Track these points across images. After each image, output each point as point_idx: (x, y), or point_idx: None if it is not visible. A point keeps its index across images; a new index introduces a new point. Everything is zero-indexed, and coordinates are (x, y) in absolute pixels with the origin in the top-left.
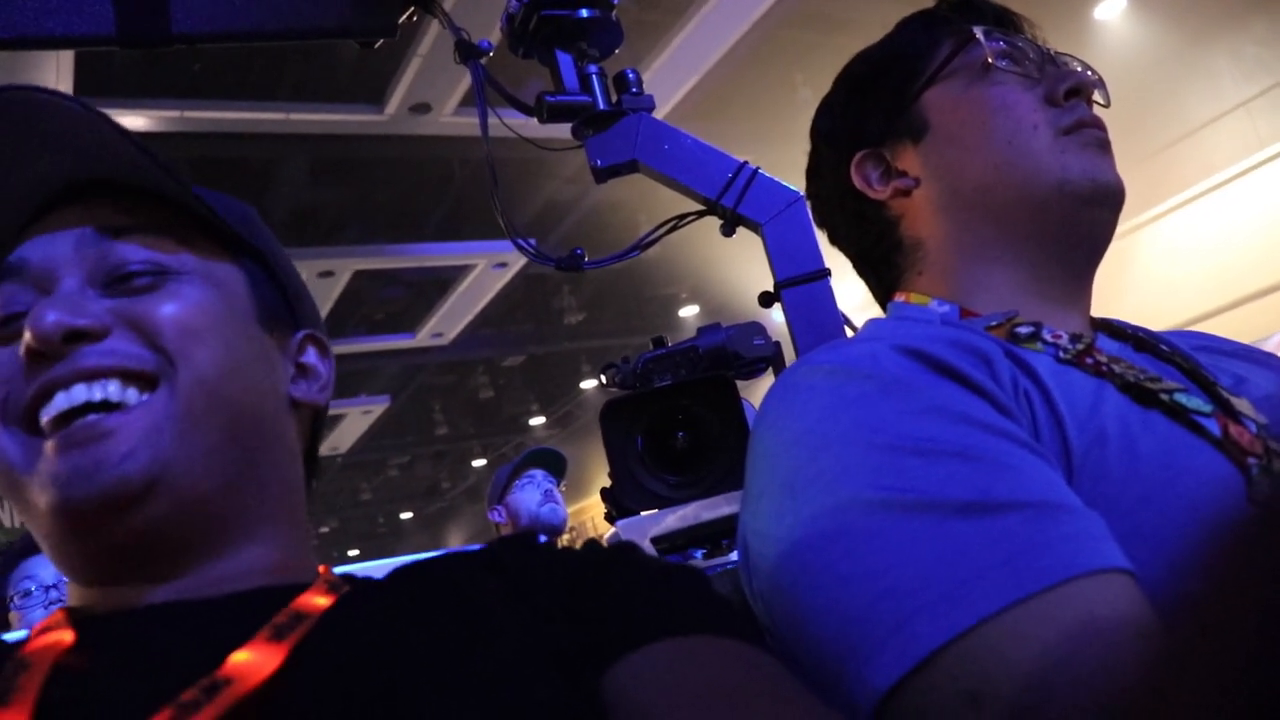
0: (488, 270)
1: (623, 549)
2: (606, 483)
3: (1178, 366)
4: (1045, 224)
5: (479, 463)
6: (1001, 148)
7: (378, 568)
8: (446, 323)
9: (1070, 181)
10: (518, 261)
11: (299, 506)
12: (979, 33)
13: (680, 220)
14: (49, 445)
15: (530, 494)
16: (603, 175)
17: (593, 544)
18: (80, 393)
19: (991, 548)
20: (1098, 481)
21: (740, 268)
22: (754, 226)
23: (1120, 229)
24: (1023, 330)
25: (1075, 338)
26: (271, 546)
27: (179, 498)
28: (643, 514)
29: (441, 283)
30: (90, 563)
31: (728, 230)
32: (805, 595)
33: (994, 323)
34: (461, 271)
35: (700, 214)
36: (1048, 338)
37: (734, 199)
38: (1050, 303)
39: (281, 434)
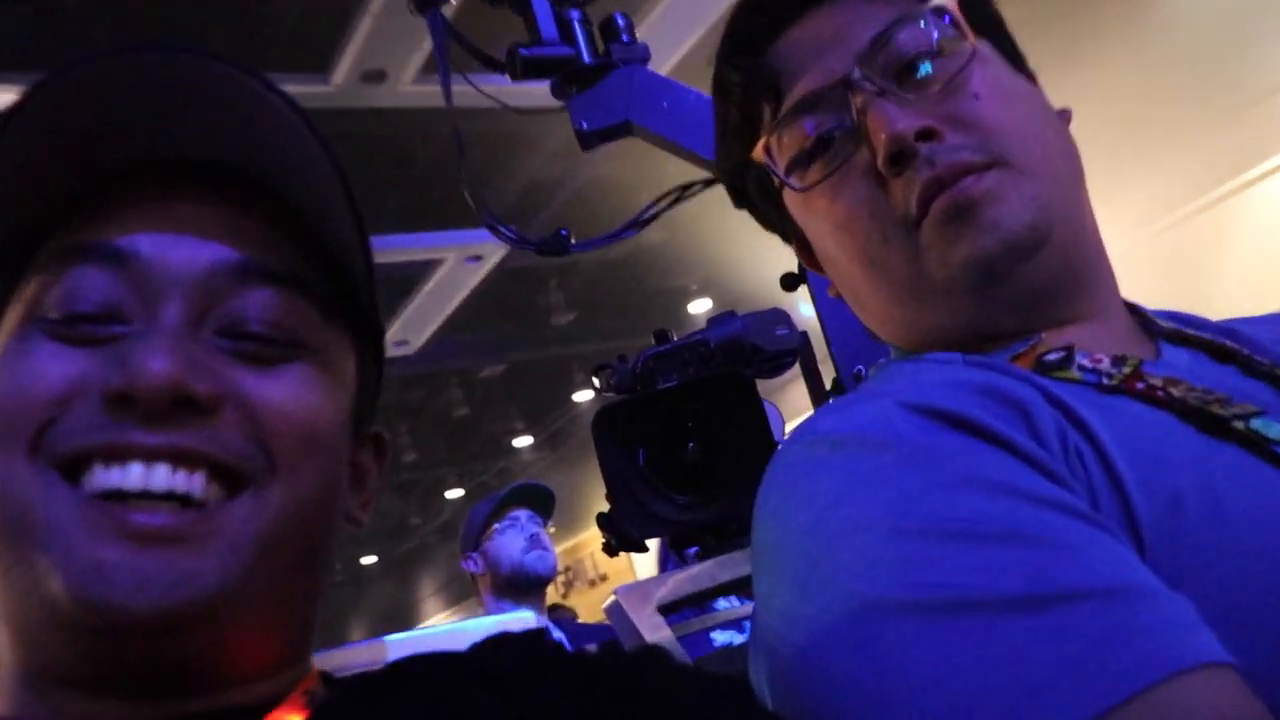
0: (459, 265)
1: (648, 661)
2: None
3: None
4: (963, 321)
5: (454, 494)
6: (867, 285)
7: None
8: (412, 329)
9: (950, 281)
10: (495, 253)
11: (318, 615)
12: (764, 145)
13: (685, 191)
14: (95, 518)
15: (512, 539)
16: (590, 140)
17: (612, 650)
18: (164, 477)
19: (1059, 650)
20: (1178, 555)
21: (761, 251)
22: None
23: (1210, 196)
24: (1051, 357)
25: (1118, 360)
26: (284, 658)
27: (235, 626)
28: (646, 578)
29: (405, 282)
30: (81, 667)
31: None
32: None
33: (1019, 350)
34: (428, 268)
35: (708, 183)
36: (1084, 363)
37: None
38: (1061, 327)
39: (331, 559)
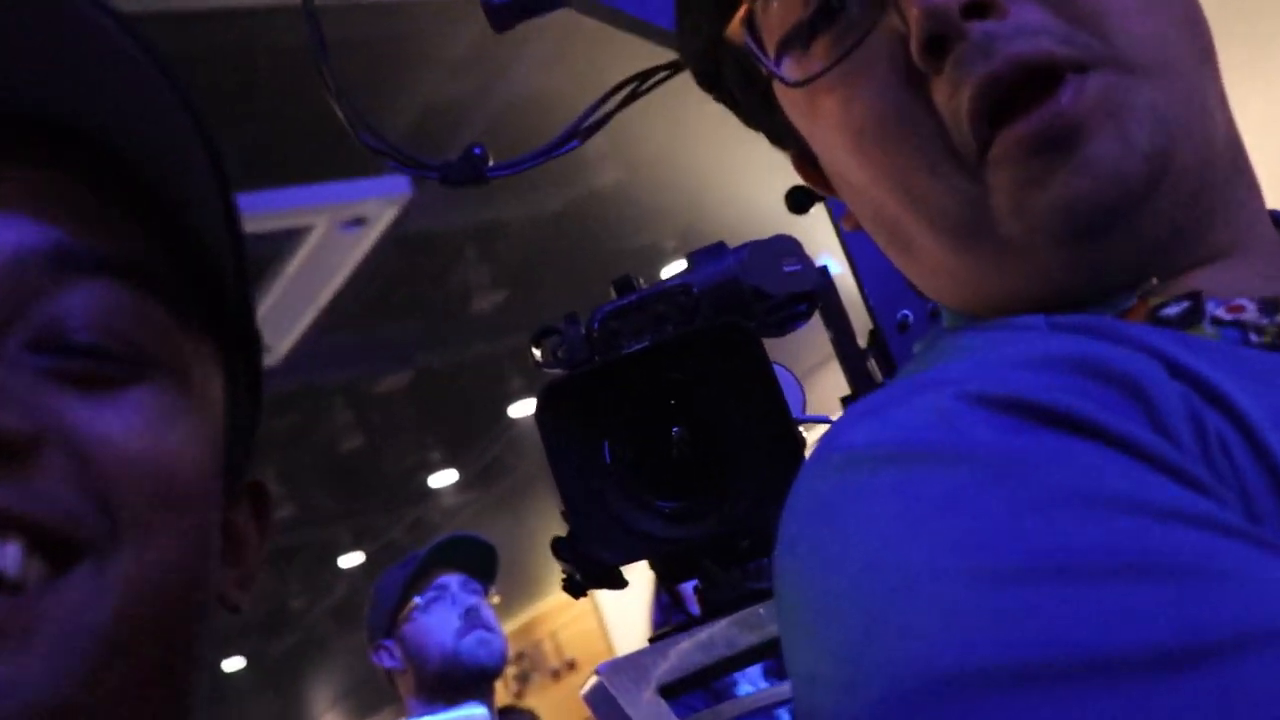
0: (333, 233)
1: None
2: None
3: None
4: (1045, 282)
5: (350, 560)
6: (904, 223)
7: None
8: (272, 329)
9: (1029, 236)
10: (383, 212)
11: None
12: (745, 14)
13: (644, 81)
14: None
15: (442, 618)
16: (503, 17)
17: None
18: None
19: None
20: None
21: (756, 185)
22: None
23: None
24: (1171, 311)
25: (1269, 305)
26: None
27: None
28: (637, 650)
29: (256, 262)
30: None
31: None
32: None
33: (1127, 306)
34: (288, 241)
35: (673, 68)
36: (1219, 315)
37: None
38: (1186, 259)
39: (205, 657)
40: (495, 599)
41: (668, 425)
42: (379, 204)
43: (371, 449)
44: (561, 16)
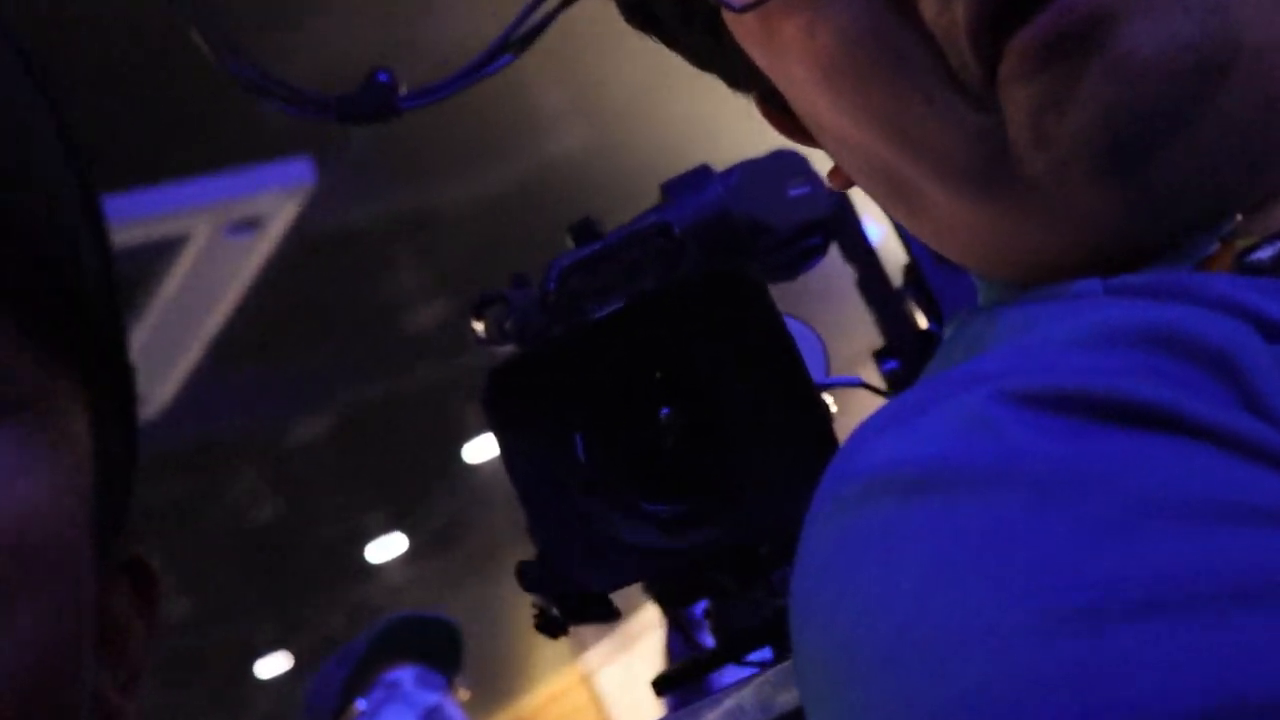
0: (219, 240)
1: None
2: (558, 651)
3: None
4: (1085, 230)
5: (272, 666)
6: (900, 171)
7: None
8: (150, 370)
9: (1059, 169)
10: (281, 210)
11: None
12: None
13: None
14: None
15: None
16: None
17: None
18: None
19: None
20: None
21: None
22: None
23: None
24: (1264, 253)
25: None
26: None
27: None
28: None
29: (121, 286)
30: None
31: None
32: None
33: (1206, 253)
34: (162, 255)
35: None
36: None
37: None
38: (1266, 203)
39: None
40: (464, 694)
41: (654, 406)
42: (275, 199)
43: (290, 517)
44: None
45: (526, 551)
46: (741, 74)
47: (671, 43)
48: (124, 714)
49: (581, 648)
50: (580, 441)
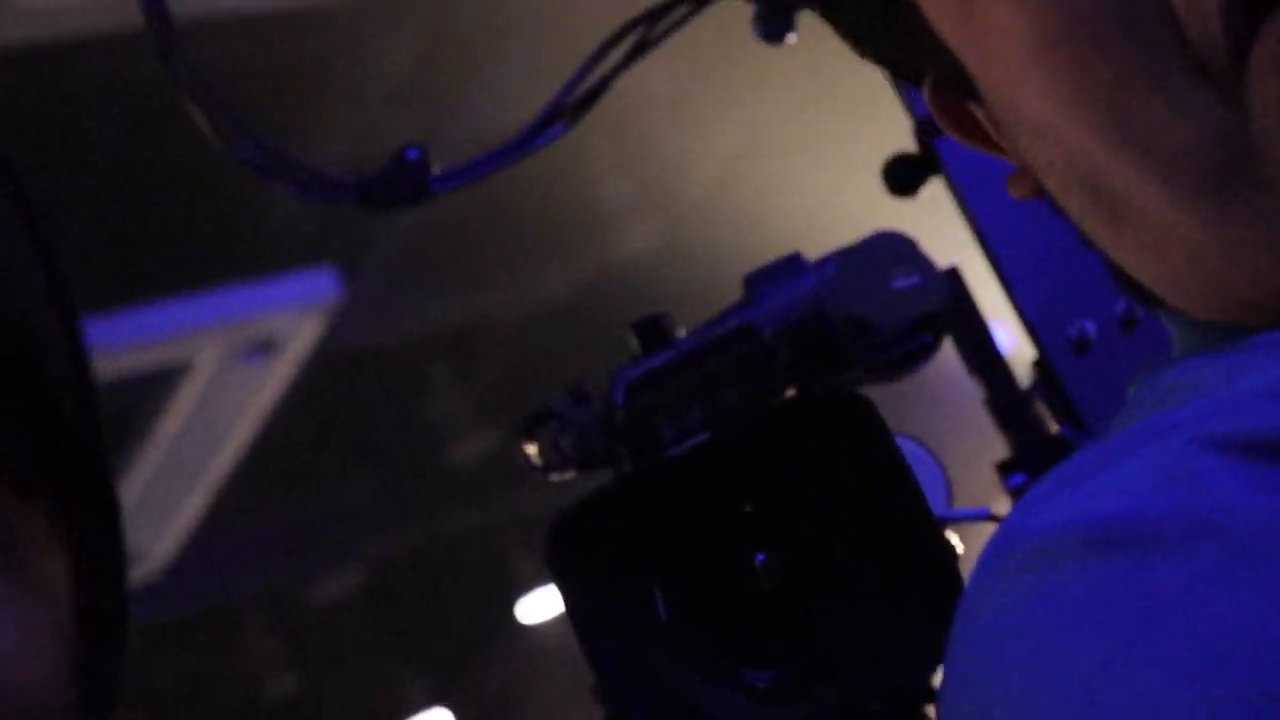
0: (229, 367)
1: None
2: None
3: None
4: None
5: None
6: (1113, 168)
7: None
8: (148, 520)
9: None
10: (302, 327)
11: None
12: None
13: (654, 22)
14: None
15: None
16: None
17: None
18: None
19: None
20: None
21: (856, 198)
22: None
23: None
24: None
25: None
26: None
27: None
28: None
29: (115, 422)
30: None
31: (772, 28)
32: None
33: None
34: (163, 385)
35: (697, 2)
36: None
37: None
38: None
39: None
40: None
41: (748, 552)
42: (293, 316)
43: (314, 691)
44: (533, 16)
45: None
46: (914, 55)
47: (833, 19)
48: None
49: None
50: (661, 597)
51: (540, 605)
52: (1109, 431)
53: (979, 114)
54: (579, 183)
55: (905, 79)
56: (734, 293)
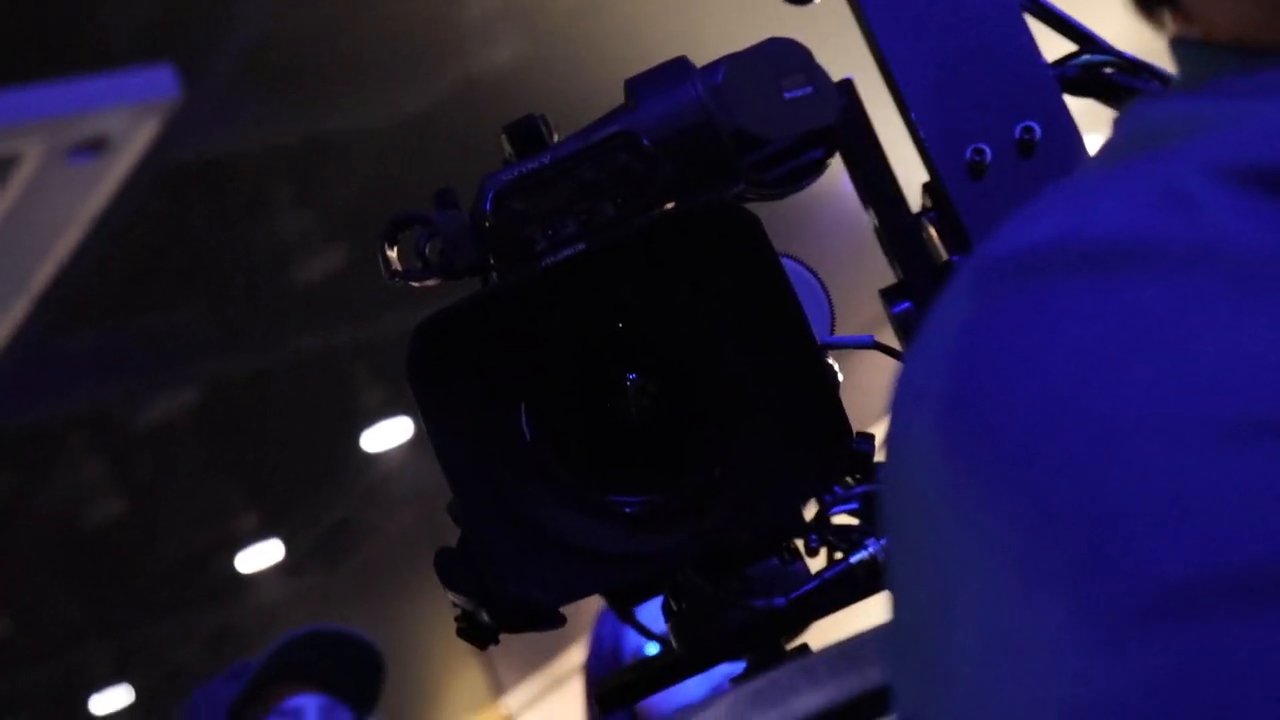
0: (56, 166)
1: None
2: (474, 689)
3: None
4: None
5: (111, 701)
6: None
7: None
8: None
9: None
10: (137, 128)
11: None
12: None
13: None
14: None
15: None
16: None
17: None
18: None
19: None
20: None
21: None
22: None
23: None
24: None
25: None
26: None
27: None
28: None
29: None
30: None
31: None
32: None
33: None
34: None
35: None
36: None
37: None
38: None
39: None
40: None
41: (620, 371)
42: (128, 114)
43: (139, 519)
44: None
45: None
46: None
47: None
48: None
49: (500, 689)
50: (525, 414)
51: (387, 434)
52: (1110, 155)
53: None
54: None
55: None
56: (602, 106)
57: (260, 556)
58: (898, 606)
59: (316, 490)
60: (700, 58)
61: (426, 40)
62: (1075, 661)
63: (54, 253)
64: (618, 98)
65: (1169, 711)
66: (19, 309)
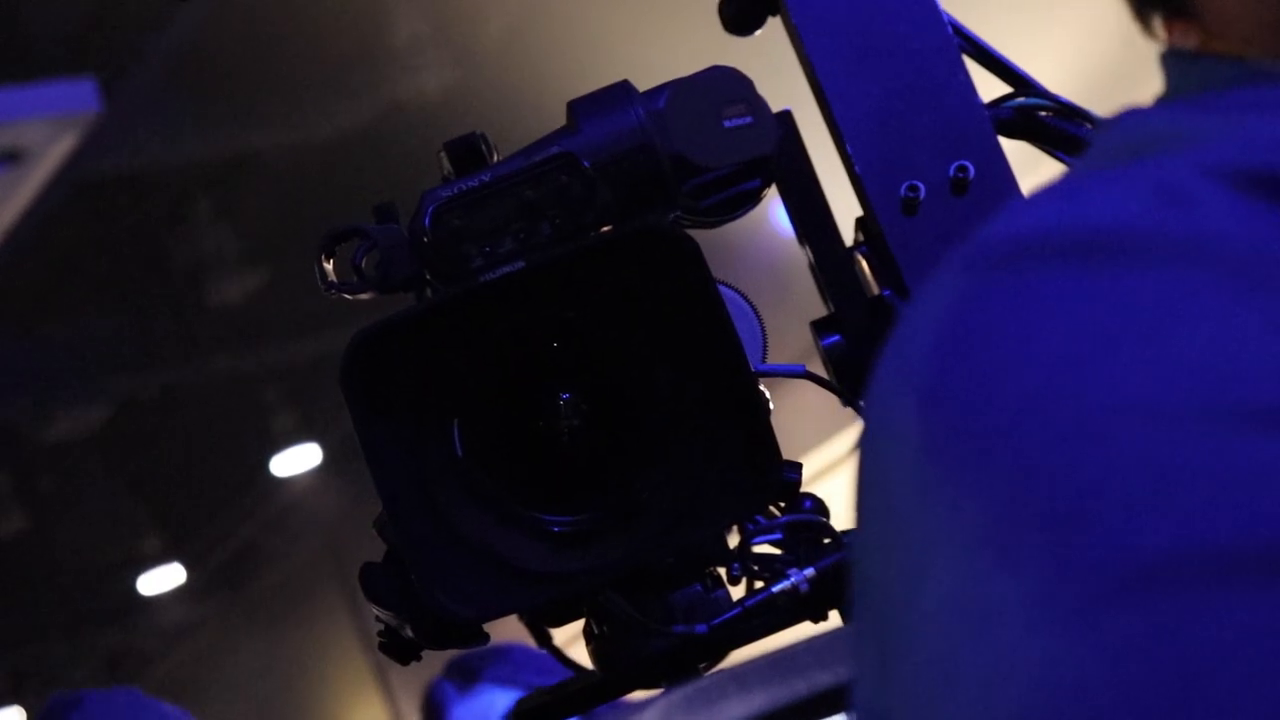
0: None
1: None
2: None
3: None
4: None
5: None
6: None
7: None
8: None
9: None
10: (55, 140)
11: None
12: None
13: None
14: None
15: None
16: None
17: None
18: None
19: None
20: None
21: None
22: None
23: None
24: None
25: None
26: None
27: None
28: None
29: None
30: None
31: None
32: None
33: None
34: None
35: None
36: None
37: None
38: None
39: None
40: None
41: (553, 390)
42: (44, 127)
43: (39, 536)
44: None
45: (341, 590)
46: None
47: None
48: None
49: (398, 717)
50: (458, 429)
51: (297, 459)
52: (1103, 153)
53: None
54: (364, 18)
55: None
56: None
57: (162, 579)
58: (864, 587)
59: (222, 513)
60: (641, 84)
61: (355, 60)
62: (1046, 630)
63: None
64: (547, 126)
65: (1136, 680)
66: None
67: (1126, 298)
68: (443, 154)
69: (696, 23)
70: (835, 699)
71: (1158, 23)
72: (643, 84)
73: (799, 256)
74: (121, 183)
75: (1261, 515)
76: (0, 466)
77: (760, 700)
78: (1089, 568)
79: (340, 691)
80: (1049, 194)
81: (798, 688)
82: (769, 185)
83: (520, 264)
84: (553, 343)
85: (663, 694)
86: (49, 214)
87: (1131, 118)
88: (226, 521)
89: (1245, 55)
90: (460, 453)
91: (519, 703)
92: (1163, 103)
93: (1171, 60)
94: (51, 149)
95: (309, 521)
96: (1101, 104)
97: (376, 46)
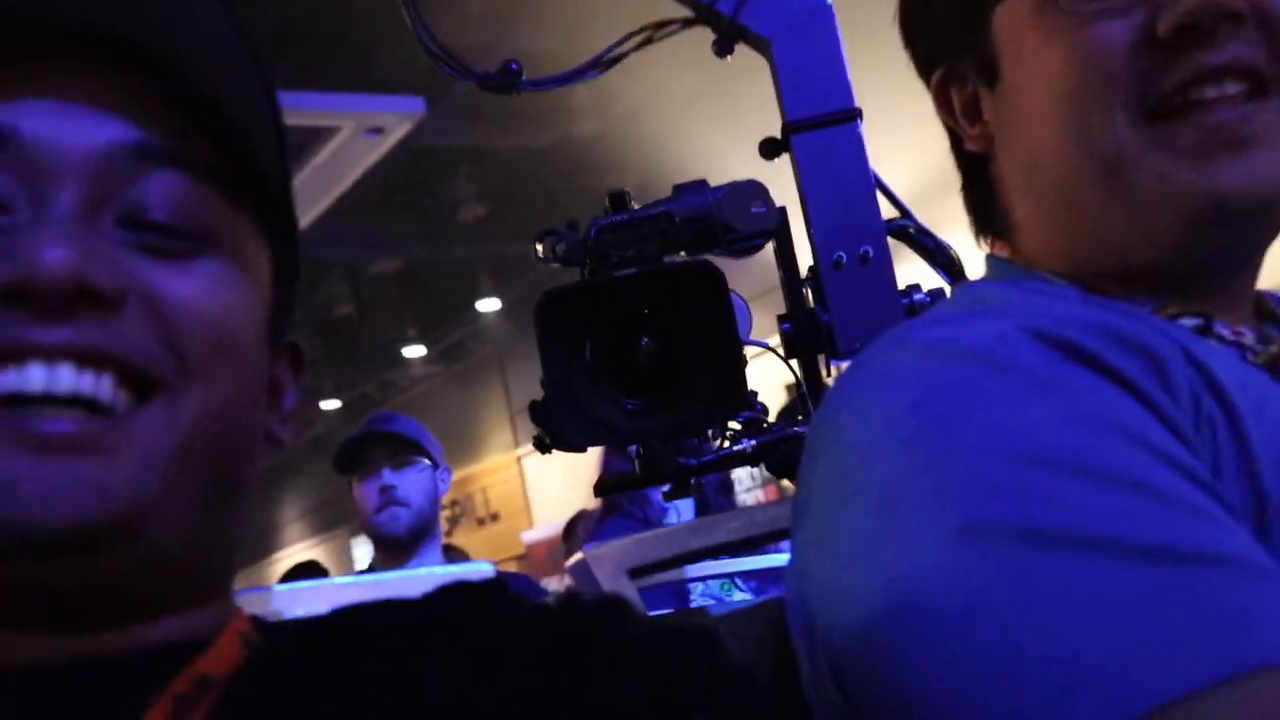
0: (356, 137)
1: (610, 613)
2: (504, 440)
3: None
4: (1138, 239)
5: (330, 405)
6: (1064, 128)
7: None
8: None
9: (1163, 196)
10: (399, 126)
11: (239, 551)
12: None
13: (659, 29)
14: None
15: (369, 491)
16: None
17: (574, 602)
18: (69, 379)
19: (1190, 606)
20: None
21: (707, 158)
22: (760, 44)
23: None
24: (1188, 321)
25: (1264, 337)
26: (207, 591)
27: (150, 547)
28: (617, 541)
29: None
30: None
31: (723, 48)
32: (918, 656)
33: (1161, 305)
34: (319, 137)
35: (687, 23)
36: (1224, 334)
37: (733, 2)
38: (1204, 293)
39: (252, 481)
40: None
41: (639, 337)
42: (397, 118)
43: (358, 318)
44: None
45: (498, 378)
46: (947, 49)
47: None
48: (280, 438)
49: (515, 445)
50: (589, 349)
51: (488, 304)
52: (938, 307)
53: (984, 100)
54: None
55: (923, 64)
56: (632, 172)
57: (414, 351)
58: (809, 491)
59: (446, 324)
60: (712, 177)
61: (545, 109)
62: (877, 584)
63: (345, 179)
64: (651, 165)
65: (964, 585)
66: (322, 205)
67: (971, 380)
68: (607, 197)
69: (745, 144)
70: (780, 536)
71: (986, 240)
72: (713, 177)
73: (776, 278)
74: (427, 152)
75: (1047, 515)
76: (343, 282)
77: (735, 527)
78: (941, 524)
79: (490, 423)
80: (944, 319)
81: (760, 523)
82: (768, 242)
83: (634, 269)
84: (644, 310)
85: (686, 525)
86: (387, 164)
87: (974, 287)
88: (449, 330)
89: (1034, 265)
90: (589, 358)
91: (601, 477)
92: (986, 280)
93: (992, 260)
94: (397, 129)
95: (491, 335)
96: (932, 205)
97: (564, 94)
